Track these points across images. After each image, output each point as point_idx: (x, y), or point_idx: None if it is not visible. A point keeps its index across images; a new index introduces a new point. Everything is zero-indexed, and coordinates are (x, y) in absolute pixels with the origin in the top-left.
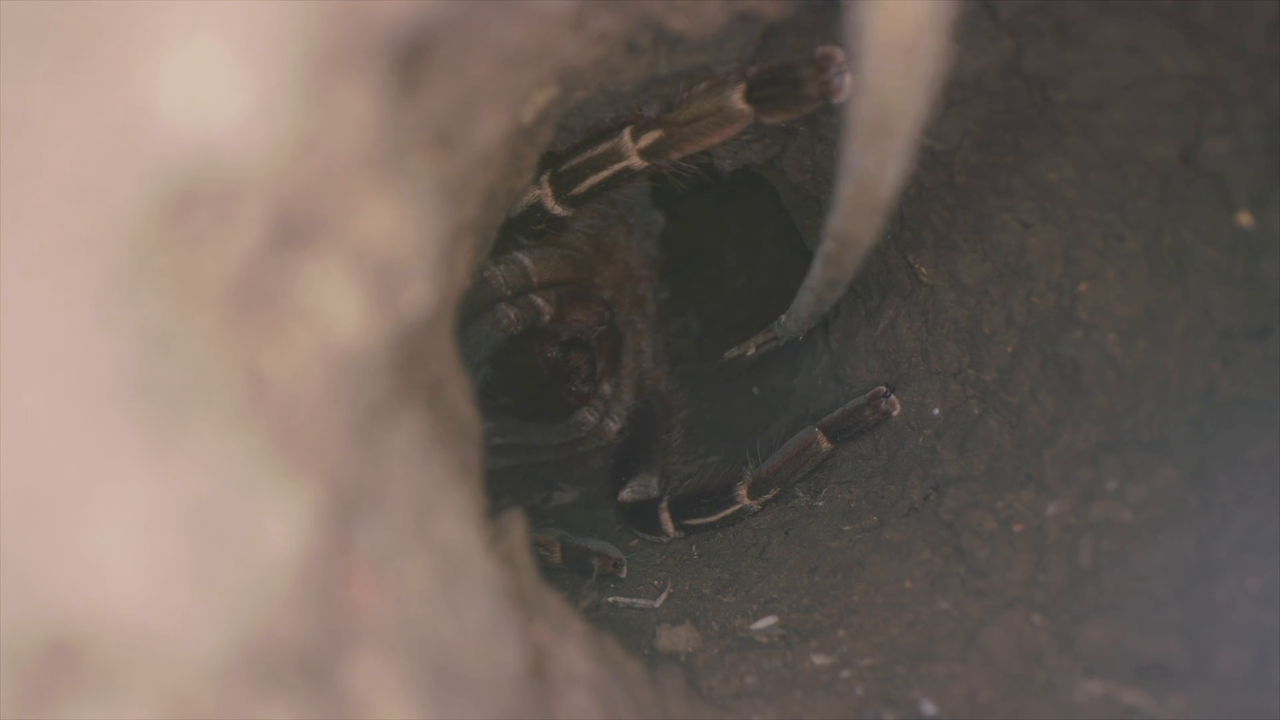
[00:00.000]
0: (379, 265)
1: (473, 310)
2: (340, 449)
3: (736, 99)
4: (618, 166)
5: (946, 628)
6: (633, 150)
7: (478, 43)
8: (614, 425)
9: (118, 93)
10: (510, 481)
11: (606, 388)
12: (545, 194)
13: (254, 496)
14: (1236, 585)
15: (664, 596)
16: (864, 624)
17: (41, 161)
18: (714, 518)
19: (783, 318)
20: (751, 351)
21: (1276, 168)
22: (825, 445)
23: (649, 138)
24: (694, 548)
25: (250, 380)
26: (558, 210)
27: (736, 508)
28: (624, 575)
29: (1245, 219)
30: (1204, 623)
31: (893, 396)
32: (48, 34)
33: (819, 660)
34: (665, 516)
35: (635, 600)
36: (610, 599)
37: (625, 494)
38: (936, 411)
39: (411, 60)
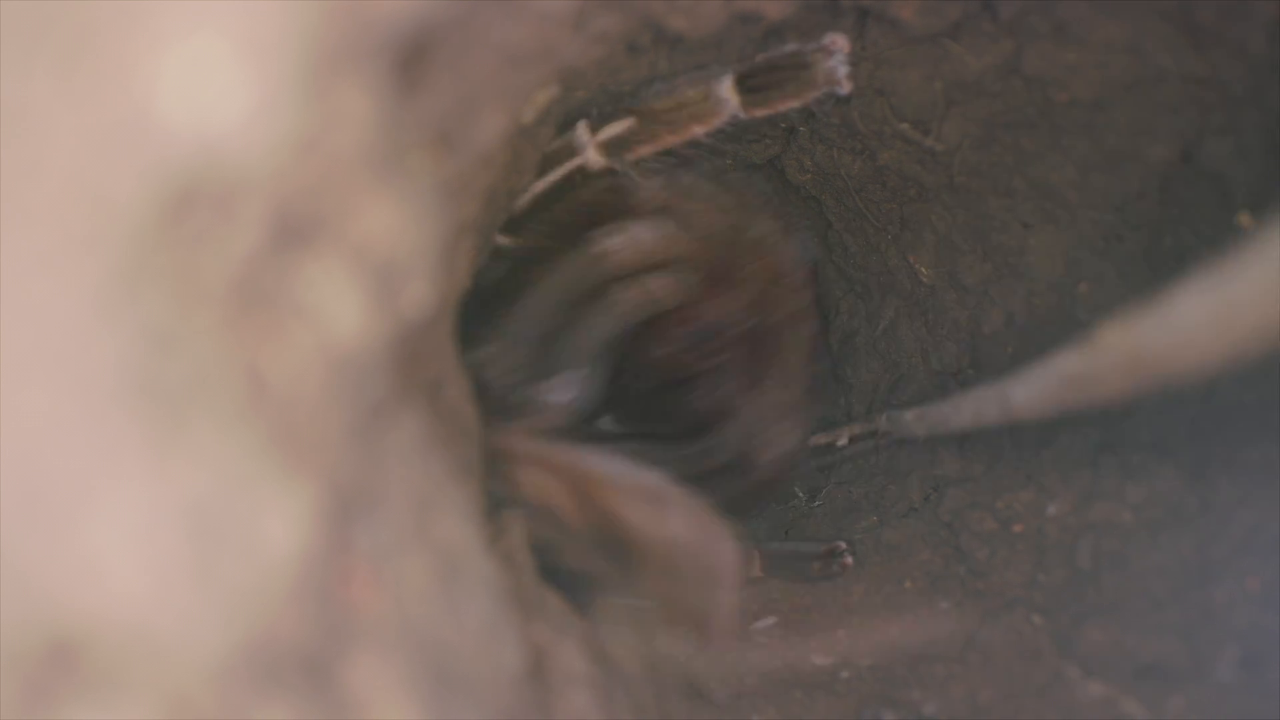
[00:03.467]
0: (379, 265)
1: (571, 293)
2: (340, 448)
3: (726, 87)
4: (569, 166)
5: (946, 628)
6: (589, 144)
7: (478, 43)
8: (766, 454)
9: (118, 92)
10: None
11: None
12: None
13: (253, 496)
14: (1236, 586)
15: None
16: (864, 624)
17: (41, 160)
18: None
19: (908, 415)
20: (843, 443)
21: (1276, 169)
22: (757, 573)
23: (615, 127)
24: None
25: (250, 379)
26: (498, 240)
27: None
28: (849, 563)
29: (1245, 220)
30: (1203, 624)
31: (849, 558)
32: (48, 32)
33: (819, 660)
34: None
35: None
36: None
37: None
38: None
39: (412, 60)
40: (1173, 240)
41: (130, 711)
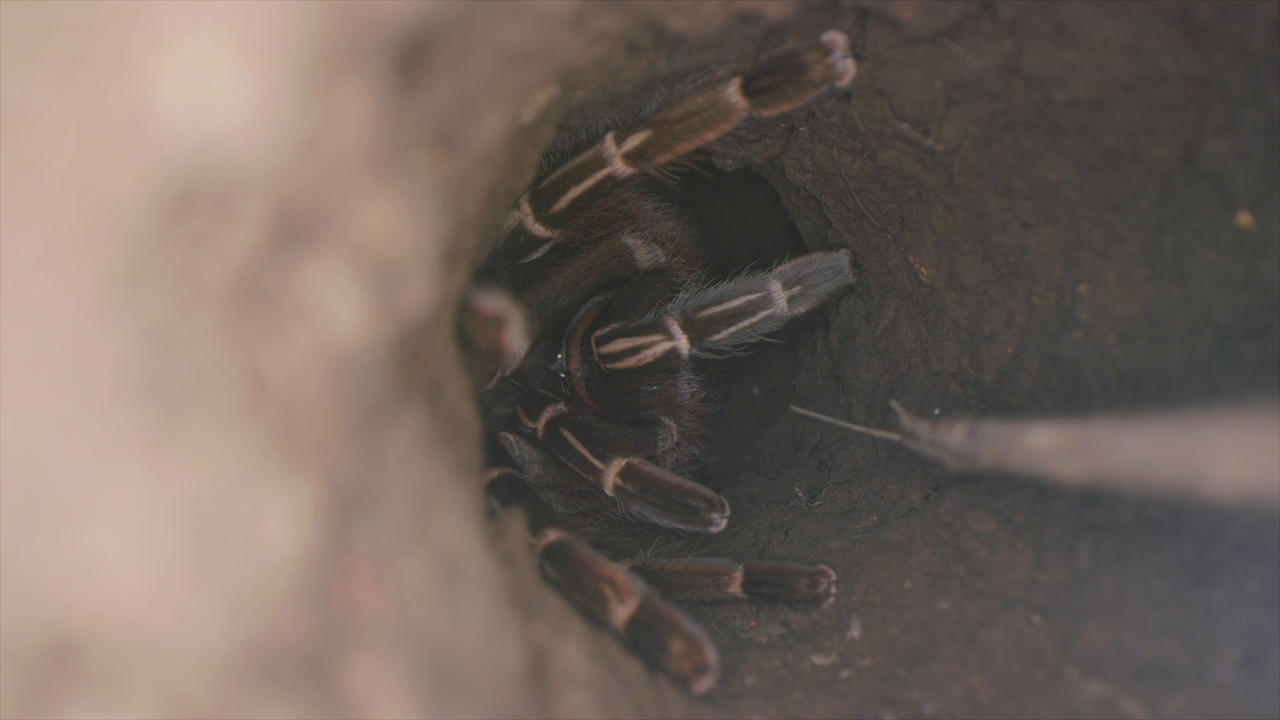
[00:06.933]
0: (379, 264)
1: (593, 275)
2: (340, 448)
3: (733, 92)
4: (600, 174)
5: (946, 628)
6: (616, 155)
7: (478, 42)
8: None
9: (119, 91)
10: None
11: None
12: (526, 214)
13: (253, 495)
14: (1236, 586)
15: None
16: (863, 624)
17: (43, 159)
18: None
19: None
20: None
21: (1276, 169)
22: (737, 589)
23: (635, 139)
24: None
25: (250, 379)
26: (539, 231)
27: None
28: (700, 690)
29: (1245, 220)
30: (1203, 624)
31: (833, 588)
32: (49, 32)
33: (818, 660)
34: None
35: None
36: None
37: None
38: (936, 412)
39: (412, 59)
40: (1173, 240)
41: (130, 711)
